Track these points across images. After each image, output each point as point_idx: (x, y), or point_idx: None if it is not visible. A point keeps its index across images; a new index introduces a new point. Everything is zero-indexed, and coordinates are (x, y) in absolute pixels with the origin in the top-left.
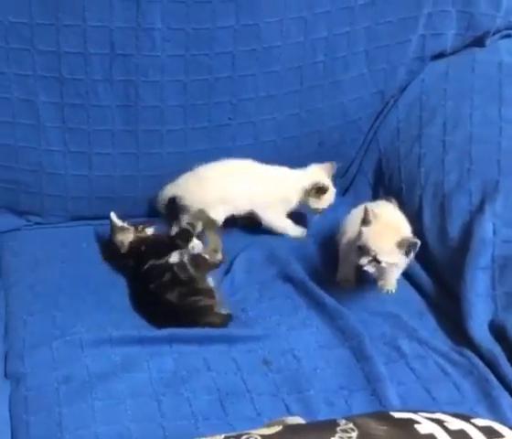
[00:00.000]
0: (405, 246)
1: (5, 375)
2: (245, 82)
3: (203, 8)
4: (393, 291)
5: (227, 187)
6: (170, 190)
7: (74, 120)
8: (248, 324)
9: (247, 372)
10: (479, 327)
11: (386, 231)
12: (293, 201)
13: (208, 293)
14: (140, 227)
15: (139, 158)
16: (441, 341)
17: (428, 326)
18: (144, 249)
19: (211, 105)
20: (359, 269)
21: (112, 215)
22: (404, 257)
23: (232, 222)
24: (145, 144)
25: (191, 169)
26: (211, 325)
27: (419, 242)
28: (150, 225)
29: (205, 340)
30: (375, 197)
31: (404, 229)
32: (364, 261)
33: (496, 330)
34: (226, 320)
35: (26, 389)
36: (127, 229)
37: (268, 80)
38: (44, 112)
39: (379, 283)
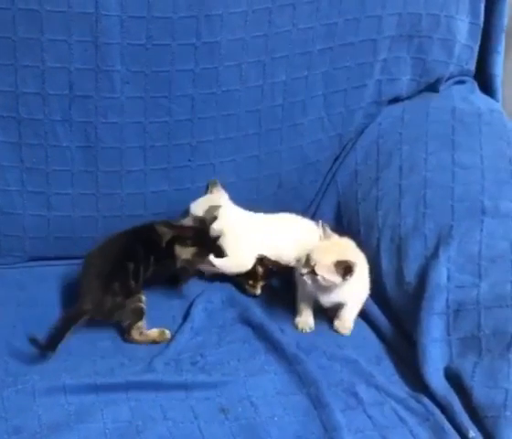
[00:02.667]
0: (341, 267)
1: None
2: (204, 125)
3: (162, 51)
4: (348, 334)
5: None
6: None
7: (32, 160)
8: (206, 369)
9: (204, 421)
10: (435, 373)
11: (331, 249)
12: None
13: None
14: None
15: (98, 199)
16: (398, 387)
17: (386, 372)
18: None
19: (171, 147)
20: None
21: None
22: (340, 279)
23: None
24: (105, 185)
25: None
26: None
27: (355, 265)
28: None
29: (162, 387)
30: None
31: (352, 255)
32: (304, 270)
33: (452, 377)
34: None
35: None
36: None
37: (227, 123)
38: (1, 151)
39: (335, 322)
